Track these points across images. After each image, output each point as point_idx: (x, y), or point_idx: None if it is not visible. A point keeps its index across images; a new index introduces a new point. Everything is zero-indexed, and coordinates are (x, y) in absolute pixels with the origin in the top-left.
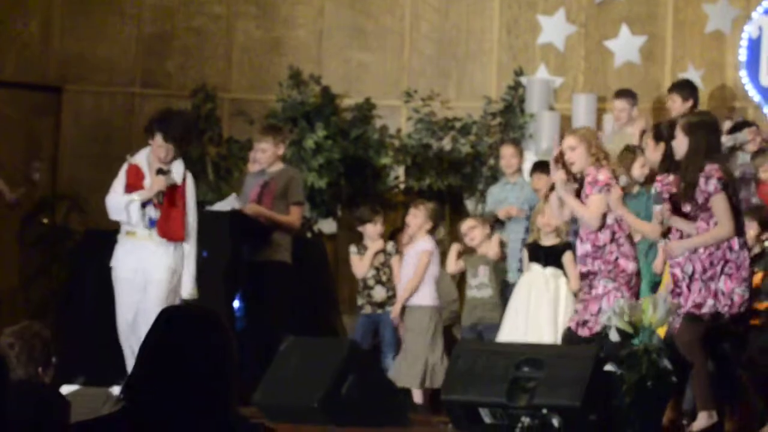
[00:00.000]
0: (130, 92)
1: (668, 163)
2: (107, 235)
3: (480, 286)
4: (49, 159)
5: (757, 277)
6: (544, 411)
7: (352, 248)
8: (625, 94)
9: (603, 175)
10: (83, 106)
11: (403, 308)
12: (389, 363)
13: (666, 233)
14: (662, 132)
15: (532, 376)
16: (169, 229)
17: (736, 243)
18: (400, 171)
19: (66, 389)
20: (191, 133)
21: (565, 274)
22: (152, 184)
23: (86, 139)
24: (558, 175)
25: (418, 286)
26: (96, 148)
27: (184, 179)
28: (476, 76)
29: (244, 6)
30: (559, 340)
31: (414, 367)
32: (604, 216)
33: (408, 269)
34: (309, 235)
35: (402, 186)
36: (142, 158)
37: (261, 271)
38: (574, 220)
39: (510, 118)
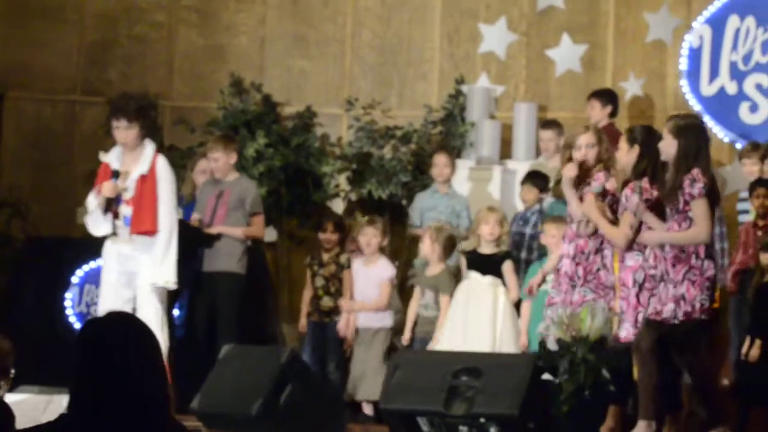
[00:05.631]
0: (71, 100)
1: (644, 165)
2: (48, 242)
3: (426, 306)
4: None
5: None
6: (482, 420)
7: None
8: (551, 124)
9: (610, 185)
10: (24, 113)
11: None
12: (331, 371)
13: (631, 244)
14: (636, 135)
15: (470, 384)
16: (140, 223)
17: (702, 251)
18: (341, 179)
19: (9, 398)
20: (148, 108)
21: (504, 283)
22: (102, 189)
23: (27, 147)
24: (568, 170)
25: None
26: (37, 155)
27: (152, 165)
28: (417, 84)
29: (185, 13)
30: (496, 350)
31: (375, 381)
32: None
33: (366, 287)
34: (249, 243)
35: (342, 194)
36: (112, 154)
37: (212, 281)
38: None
39: (451, 126)
